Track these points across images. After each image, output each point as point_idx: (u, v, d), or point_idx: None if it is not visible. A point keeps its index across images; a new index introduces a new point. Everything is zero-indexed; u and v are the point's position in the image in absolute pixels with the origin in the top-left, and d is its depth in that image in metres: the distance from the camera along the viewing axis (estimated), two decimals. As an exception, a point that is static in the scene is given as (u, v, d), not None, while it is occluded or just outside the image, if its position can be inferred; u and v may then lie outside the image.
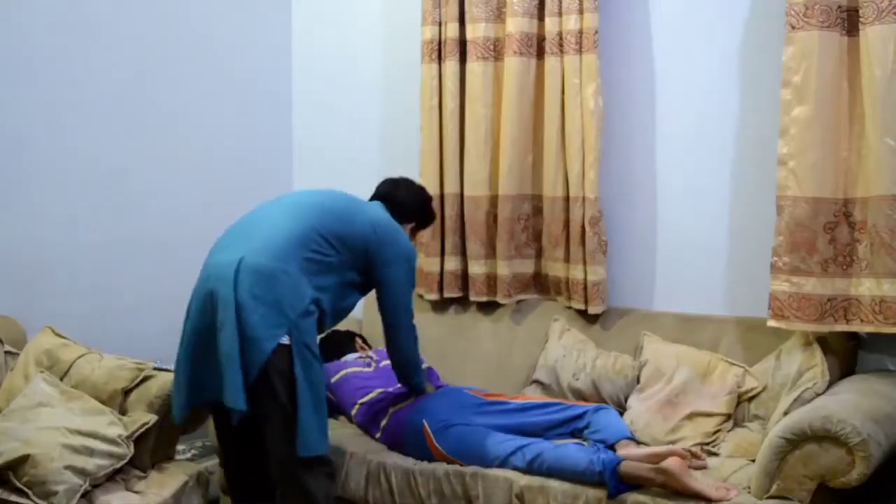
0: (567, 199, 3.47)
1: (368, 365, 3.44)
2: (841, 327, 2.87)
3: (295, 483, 2.61)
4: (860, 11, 2.77)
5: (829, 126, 2.84)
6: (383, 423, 3.11)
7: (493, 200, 3.61)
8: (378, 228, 2.84)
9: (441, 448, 2.91)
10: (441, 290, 3.73)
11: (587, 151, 3.35)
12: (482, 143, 3.59)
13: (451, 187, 3.67)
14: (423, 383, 3.13)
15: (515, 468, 2.78)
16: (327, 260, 2.71)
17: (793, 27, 2.84)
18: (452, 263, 3.71)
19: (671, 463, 2.55)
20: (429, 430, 2.95)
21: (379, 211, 2.95)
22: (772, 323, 2.90)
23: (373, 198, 3.09)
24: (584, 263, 3.39)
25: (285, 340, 2.56)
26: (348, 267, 2.79)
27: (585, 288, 3.40)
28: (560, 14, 3.39)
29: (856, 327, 2.85)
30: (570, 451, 2.75)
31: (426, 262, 3.73)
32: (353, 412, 3.24)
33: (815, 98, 2.83)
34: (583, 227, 3.39)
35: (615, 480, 2.59)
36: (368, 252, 2.81)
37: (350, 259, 2.78)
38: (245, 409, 2.52)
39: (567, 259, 3.49)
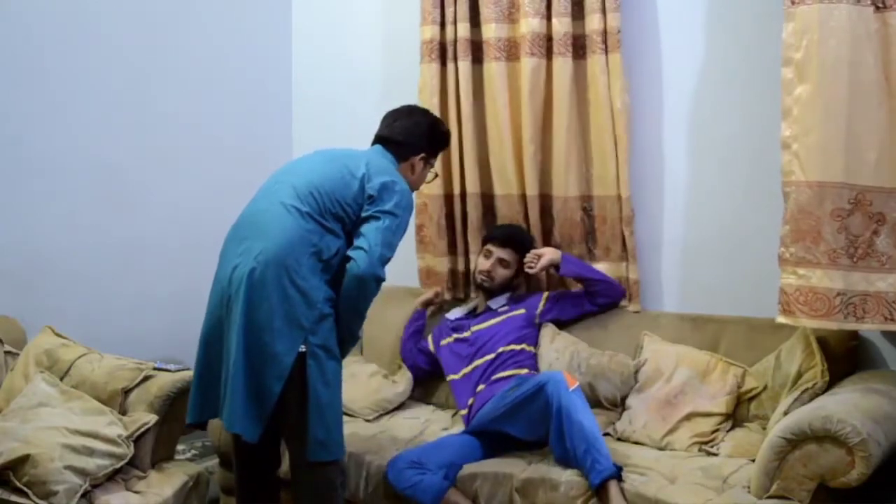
0: (580, 198, 3.45)
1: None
2: (852, 326, 2.70)
3: (307, 486, 2.64)
4: None
5: (837, 106, 2.65)
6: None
7: (493, 199, 3.60)
8: (372, 188, 2.66)
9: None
10: (454, 289, 3.72)
11: (619, 150, 3.33)
12: (486, 142, 3.58)
13: (452, 187, 3.67)
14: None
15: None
16: (333, 247, 2.64)
17: (792, 2, 2.68)
18: (460, 264, 3.70)
19: None
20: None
21: (372, 164, 2.72)
22: (780, 319, 2.74)
23: (374, 142, 2.89)
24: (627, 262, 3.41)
25: (302, 348, 2.57)
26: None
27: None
28: (582, 16, 3.36)
29: (874, 326, 2.72)
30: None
31: (433, 262, 3.73)
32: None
33: (817, 75, 2.64)
34: (614, 225, 3.40)
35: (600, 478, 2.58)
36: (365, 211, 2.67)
37: (355, 228, 2.68)
38: (244, 433, 2.52)
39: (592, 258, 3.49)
